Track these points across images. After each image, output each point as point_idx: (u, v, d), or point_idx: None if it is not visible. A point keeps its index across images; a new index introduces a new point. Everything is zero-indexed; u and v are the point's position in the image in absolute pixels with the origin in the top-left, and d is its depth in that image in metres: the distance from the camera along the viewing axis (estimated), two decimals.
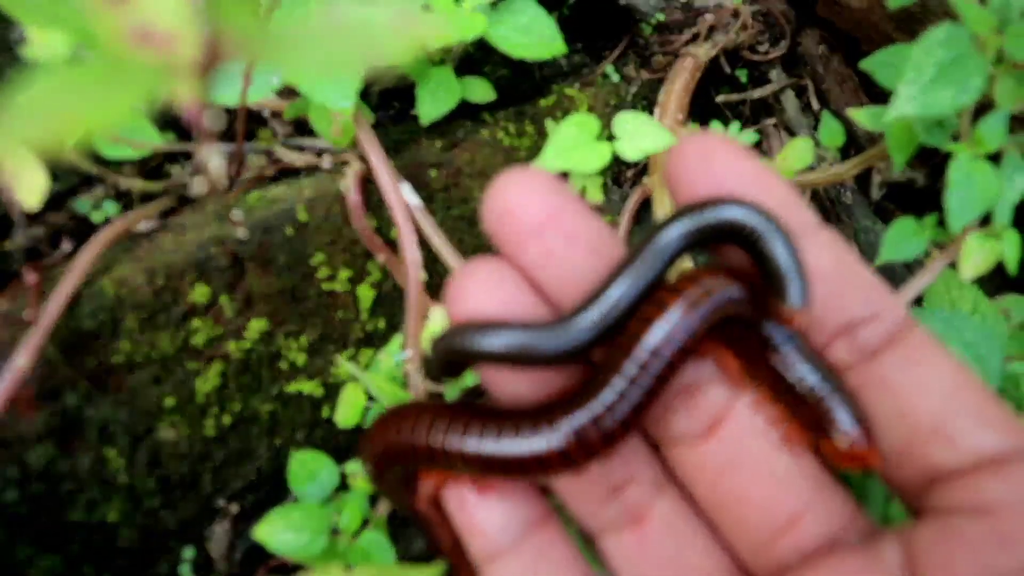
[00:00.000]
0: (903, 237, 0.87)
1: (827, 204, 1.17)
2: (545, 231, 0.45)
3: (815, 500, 0.44)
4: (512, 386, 0.48)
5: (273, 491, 0.93)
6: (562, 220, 0.45)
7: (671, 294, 0.43)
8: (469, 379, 0.78)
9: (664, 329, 0.42)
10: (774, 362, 0.43)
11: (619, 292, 0.43)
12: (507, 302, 0.45)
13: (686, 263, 0.95)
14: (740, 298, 0.43)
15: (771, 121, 1.18)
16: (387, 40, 0.36)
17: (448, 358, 0.47)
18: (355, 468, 0.84)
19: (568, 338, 0.43)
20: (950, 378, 0.42)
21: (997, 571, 0.38)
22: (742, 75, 1.18)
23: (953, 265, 0.86)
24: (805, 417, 0.43)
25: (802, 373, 0.43)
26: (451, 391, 0.79)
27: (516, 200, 0.45)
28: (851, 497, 0.45)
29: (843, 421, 0.41)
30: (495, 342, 0.44)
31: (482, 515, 0.48)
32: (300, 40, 0.37)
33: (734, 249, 0.45)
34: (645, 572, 0.47)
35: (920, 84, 0.75)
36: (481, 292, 0.46)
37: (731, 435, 0.46)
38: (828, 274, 0.43)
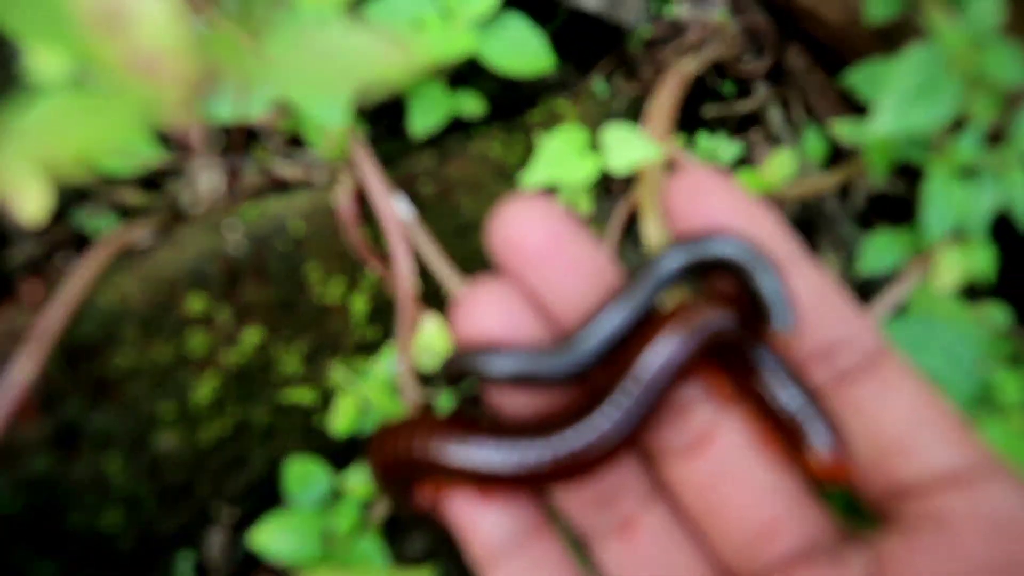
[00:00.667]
0: (882, 248, 0.90)
1: (811, 215, 1.20)
2: (548, 259, 0.49)
3: (793, 511, 0.47)
4: (514, 403, 0.52)
5: (268, 497, 0.95)
6: (564, 249, 0.49)
7: (667, 320, 0.47)
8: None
9: (660, 353, 0.46)
10: (758, 384, 0.47)
11: (617, 319, 0.48)
12: (511, 323, 0.49)
13: (678, 291, 0.97)
14: (730, 326, 0.47)
15: (757, 133, 1.20)
16: (377, 63, 0.38)
17: (456, 378, 0.51)
18: (354, 478, 0.86)
19: (569, 361, 0.48)
20: (917, 399, 0.45)
21: None
22: (728, 88, 1.20)
23: (930, 275, 0.88)
24: (786, 435, 0.47)
25: (783, 394, 0.46)
26: (444, 401, 0.81)
27: (521, 228, 0.49)
28: (826, 509, 0.49)
29: (820, 440, 0.45)
30: (501, 366, 0.48)
31: (480, 521, 0.50)
32: (292, 63, 0.39)
33: (724, 276, 0.50)
34: None
35: (898, 101, 0.77)
36: (486, 313, 0.50)
37: (718, 451, 0.49)
38: (808, 301, 0.47)
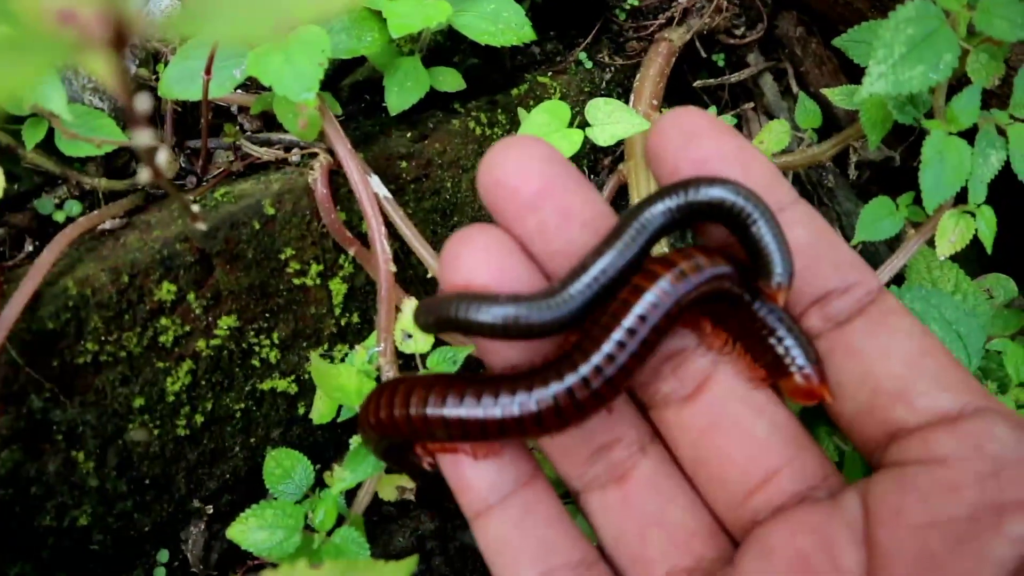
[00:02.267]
0: (878, 217, 0.86)
1: (809, 188, 1.16)
2: (541, 205, 0.46)
3: (793, 458, 0.46)
4: (505, 353, 0.49)
5: (250, 491, 0.92)
6: (557, 194, 0.46)
7: (663, 266, 0.44)
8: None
9: (654, 297, 0.43)
10: (743, 315, 0.46)
11: (606, 266, 0.44)
12: (501, 270, 0.46)
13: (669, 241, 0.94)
14: (727, 275, 0.45)
15: (749, 105, 1.16)
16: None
17: (437, 329, 0.47)
18: (336, 469, 0.83)
19: (558, 310, 0.44)
20: (913, 344, 0.44)
21: (945, 515, 0.39)
22: (719, 59, 1.16)
23: (931, 243, 0.85)
24: (768, 361, 0.46)
25: (768, 322, 0.46)
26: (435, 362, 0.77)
27: (513, 171, 0.46)
28: (826, 457, 0.47)
29: (799, 360, 0.45)
30: (488, 314, 0.44)
31: (472, 473, 0.49)
32: (216, 8, 0.36)
33: (716, 227, 0.47)
34: (629, 528, 0.48)
35: (891, 62, 0.74)
36: (476, 259, 0.46)
37: (714, 398, 0.48)
38: (805, 247, 0.45)
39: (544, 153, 0.46)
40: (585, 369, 0.44)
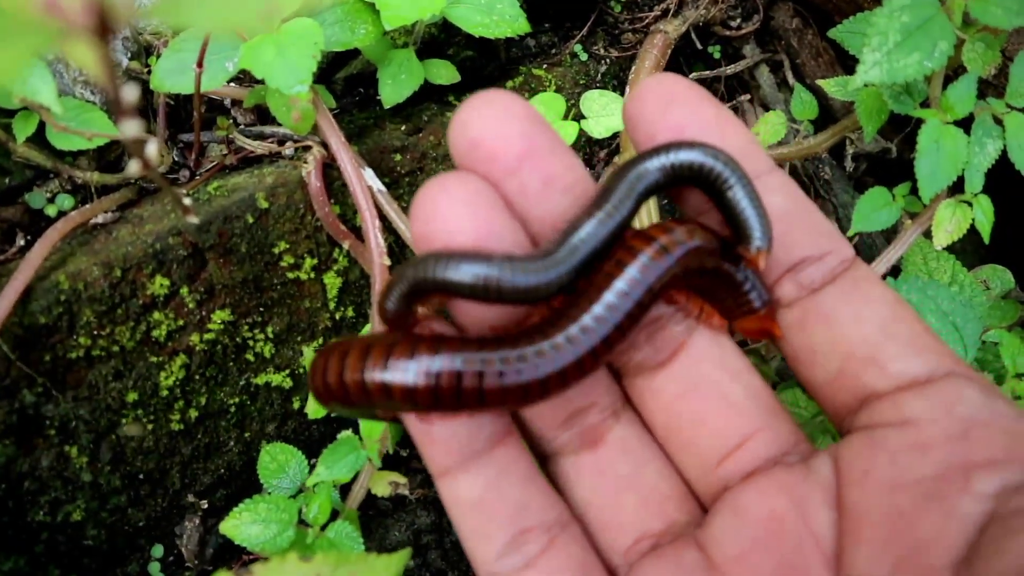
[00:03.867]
0: (874, 207, 0.86)
1: (805, 180, 1.16)
2: (522, 168, 0.43)
3: (766, 424, 0.46)
4: (472, 316, 0.45)
5: (244, 486, 0.92)
6: (540, 157, 0.43)
7: (643, 240, 0.43)
8: None
9: (635, 272, 0.42)
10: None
11: (594, 234, 0.42)
12: (483, 225, 0.41)
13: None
14: (706, 248, 0.44)
15: (746, 97, 1.16)
16: None
17: (411, 291, 0.42)
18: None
19: (545, 277, 0.41)
20: (886, 310, 0.44)
21: (914, 475, 0.39)
22: (715, 51, 1.16)
23: (928, 234, 0.84)
24: (726, 303, 0.46)
25: (725, 267, 0.46)
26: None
27: (492, 131, 0.42)
28: (796, 424, 0.47)
29: (756, 296, 0.45)
30: (466, 273, 0.40)
31: (441, 429, 0.45)
32: None
33: (696, 190, 0.46)
34: (601, 492, 0.47)
35: (885, 50, 0.73)
36: (455, 211, 0.41)
37: (689, 363, 0.47)
38: (781, 215, 0.45)
39: (525, 112, 0.43)
40: (569, 333, 0.41)
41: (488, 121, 0.42)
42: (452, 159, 0.43)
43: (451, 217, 0.41)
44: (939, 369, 0.42)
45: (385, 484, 0.91)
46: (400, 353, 0.40)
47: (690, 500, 0.48)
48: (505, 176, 0.43)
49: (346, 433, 0.86)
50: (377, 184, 0.84)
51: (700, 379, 0.47)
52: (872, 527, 0.40)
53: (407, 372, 0.40)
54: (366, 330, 0.86)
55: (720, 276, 0.45)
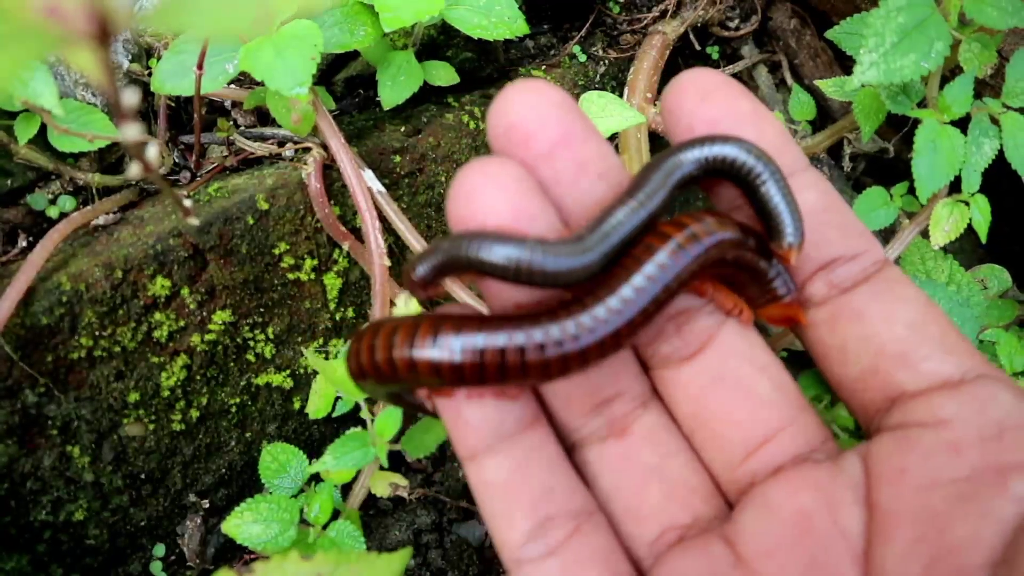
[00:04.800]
0: (872, 207, 0.86)
1: None
2: (557, 155, 0.44)
3: (793, 420, 0.46)
4: (509, 296, 0.46)
5: (246, 485, 0.92)
6: (575, 144, 0.44)
7: (675, 227, 0.43)
8: None
9: (664, 257, 0.42)
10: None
11: (628, 221, 0.43)
12: (521, 209, 0.43)
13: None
14: (735, 239, 0.44)
15: None
16: None
17: (444, 265, 0.43)
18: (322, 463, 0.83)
19: (579, 261, 0.42)
20: (917, 311, 0.44)
21: (948, 475, 0.39)
22: (713, 52, 1.16)
23: (925, 234, 0.85)
24: (750, 290, 0.47)
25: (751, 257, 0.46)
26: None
27: (529, 116, 0.43)
28: (823, 421, 0.47)
29: (781, 286, 0.46)
30: (498, 255, 0.41)
31: (471, 411, 0.46)
32: (198, 0, 0.36)
33: (730, 191, 0.47)
34: (627, 481, 0.47)
35: (882, 50, 0.74)
36: (490, 191, 0.42)
37: (717, 356, 0.47)
38: (814, 213, 0.45)
39: (561, 99, 0.44)
40: (599, 311, 0.42)
41: (524, 107, 0.43)
42: (489, 144, 0.44)
43: (489, 199, 0.42)
44: (971, 371, 0.42)
45: (385, 484, 0.91)
46: (448, 330, 0.42)
47: (716, 494, 0.48)
48: (540, 161, 0.44)
49: (356, 429, 0.86)
50: (377, 185, 0.85)
51: (727, 372, 0.47)
52: (904, 527, 0.40)
53: (453, 350, 0.41)
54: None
55: (746, 266, 0.46)
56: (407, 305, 0.82)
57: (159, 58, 0.85)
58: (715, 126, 0.45)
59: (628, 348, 0.48)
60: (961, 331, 0.44)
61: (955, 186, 0.81)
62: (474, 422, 0.46)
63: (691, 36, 1.11)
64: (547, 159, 0.44)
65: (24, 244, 0.80)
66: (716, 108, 0.45)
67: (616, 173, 0.46)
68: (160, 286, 0.79)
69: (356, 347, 0.45)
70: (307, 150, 0.87)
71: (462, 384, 0.43)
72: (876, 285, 0.45)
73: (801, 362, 0.50)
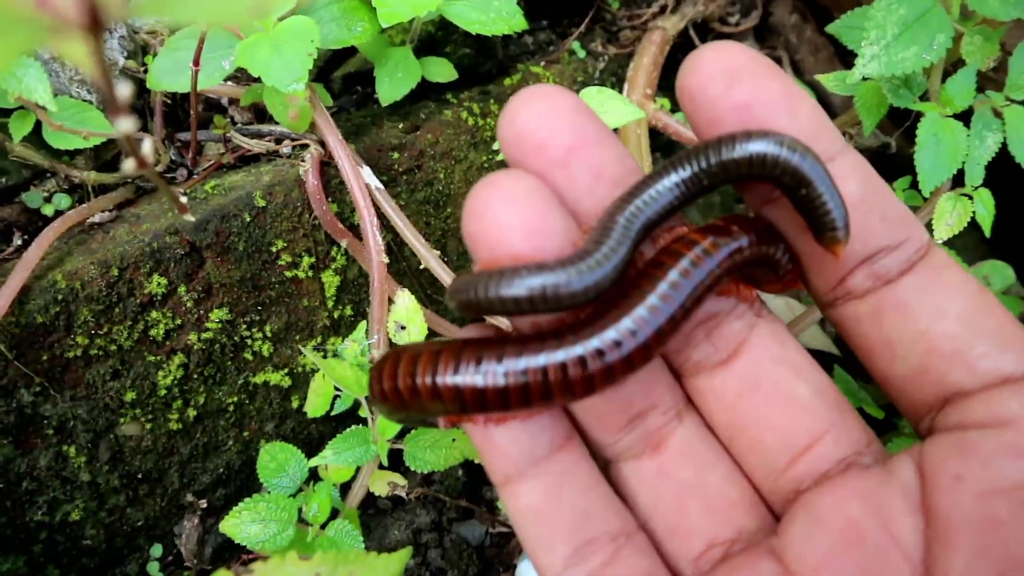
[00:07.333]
0: None
1: None
2: (571, 161, 0.42)
3: (835, 423, 0.44)
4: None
5: (244, 485, 0.91)
6: (589, 149, 0.42)
7: (700, 234, 0.42)
8: None
9: (689, 263, 0.41)
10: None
11: (647, 228, 0.41)
12: (532, 219, 0.40)
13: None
14: (753, 244, 0.43)
15: None
16: None
17: (468, 311, 0.42)
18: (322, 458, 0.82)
19: (599, 276, 0.40)
20: (969, 301, 0.41)
21: (1012, 481, 0.37)
22: None
23: (929, 228, 0.84)
24: (756, 274, 0.45)
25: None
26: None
27: (541, 123, 0.41)
28: (865, 423, 0.45)
29: (787, 263, 0.45)
30: (520, 290, 0.39)
31: (502, 435, 0.44)
32: None
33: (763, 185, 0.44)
34: (665, 498, 0.46)
35: (883, 43, 0.73)
36: (504, 207, 0.40)
37: (751, 360, 0.45)
38: (856, 203, 0.42)
39: (574, 104, 0.42)
40: (623, 327, 0.40)
41: (536, 114, 0.42)
42: (502, 153, 0.44)
43: (502, 215, 0.40)
44: None
45: (384, 484, 0.90)
46: (490, 356, 0.41)
47: (759, 505, 0.46)
48: (554, 168, 0.42)
49: (356, 427, 0.86)
50: (375, 182, 0.84)
51: (763, 377, 0.45)
52: (967, 536, 0.37)
53: (496, 375, 0.40)
54: (360, 330, 0.85)
55: (762, 259, 0.44)
56: (406, 304, 0.81)
57: (155, 55, 0.84)
58: (745, 112, 0.41)
59: (657, 358, 0.46)
60: (1016, 321, 0.40)
61: (958, 180, 0.80)
62: (505, 446, 0.44)
63: (691, 32, 1.11)
64: (561, 165, 0.42)
65: (19, 242, 0.79)
66: (745, 91, 0.40)
67: (634, 177, 0.44)
68: (156, 284, 0.78)
69: (385, 372, 0.45)
70: (304, 147, 0.86)
71: (485, 410, 0.42)
72: (922, 274, 0.42)
73: (822, 362, 0.48)
